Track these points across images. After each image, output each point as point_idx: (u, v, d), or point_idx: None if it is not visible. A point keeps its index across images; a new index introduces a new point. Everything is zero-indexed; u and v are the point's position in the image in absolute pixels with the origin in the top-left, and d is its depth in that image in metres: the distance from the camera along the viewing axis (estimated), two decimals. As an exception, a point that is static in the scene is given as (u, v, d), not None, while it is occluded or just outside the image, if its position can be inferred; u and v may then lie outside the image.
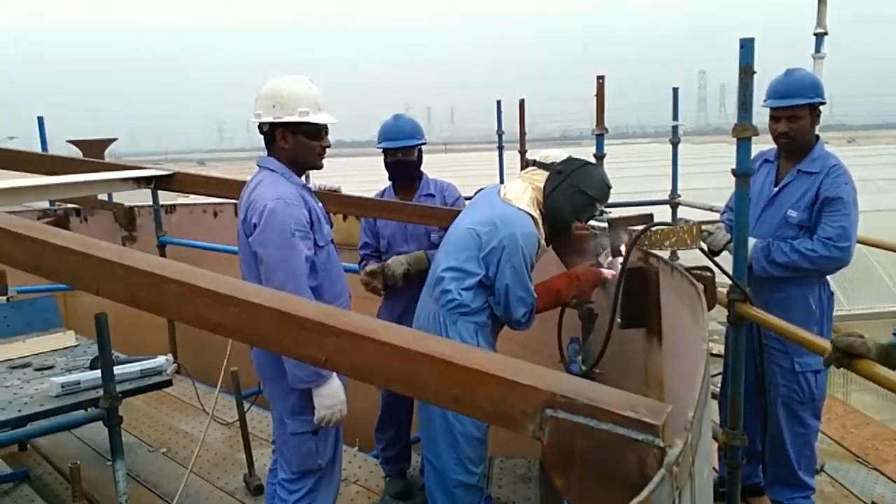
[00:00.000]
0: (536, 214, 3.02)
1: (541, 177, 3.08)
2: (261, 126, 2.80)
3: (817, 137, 3.35)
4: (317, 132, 2.82)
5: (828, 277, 3.35)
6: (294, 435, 2.81)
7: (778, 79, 3.29)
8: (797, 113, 3.23)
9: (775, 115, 3.28)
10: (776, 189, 3.35)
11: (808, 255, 3.14)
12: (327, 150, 2.90)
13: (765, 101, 3.28)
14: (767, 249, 3.20)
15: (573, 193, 3.01)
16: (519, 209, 2.99)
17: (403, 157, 3.68)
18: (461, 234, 3.05)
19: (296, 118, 2.74)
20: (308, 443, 2.82)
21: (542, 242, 3.04)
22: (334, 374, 2.70)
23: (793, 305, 3.18)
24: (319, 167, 2.95)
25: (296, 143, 2.79)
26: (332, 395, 2.71)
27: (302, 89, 2.77)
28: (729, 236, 3.12)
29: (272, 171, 2.80)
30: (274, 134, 2.79)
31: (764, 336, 3.03)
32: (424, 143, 3.78)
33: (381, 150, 3.74)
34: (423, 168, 3.79)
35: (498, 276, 2.93)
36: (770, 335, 3.01)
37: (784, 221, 3.28)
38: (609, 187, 3.16)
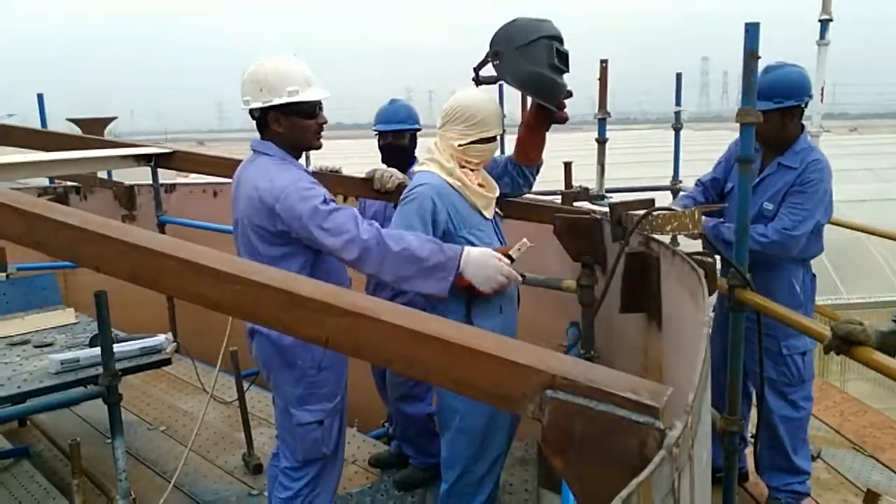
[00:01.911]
0: (437, 155, 2.92)
1: (451, 131, 2.91)
2: (252, 112, 2.71)
3: (802, 127, 3.34)
4: (311, 110, 2.71)
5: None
6: (300, 425, 2.79)
7: None
8: (763, 116, 3.20)
9: None
10: (756, 180, 3.34)
11: (759, 241, 3.17)
12: (324, 126, 2.80)
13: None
14: (718, 229, 3.23)
15: (525, 50, 2.79)
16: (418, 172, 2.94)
17: (394, 141, 3.79)
18: None
19: (285, 99, 2.63)
20: (314, 432, 2.80)
21: (455, 181, 2.88)
22: (462, 250, 2.58)
23: (778, 289, 3.22)
24: (318, 146, 2.86)
25: (290, 125, 2.69)
26: (477, 264, 2.58)
27: (287, 67, 2.66)
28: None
29: (270, 156, 2.70)
30: (266, 118, 2.69)
31: (750, 319, 3.02)
32: (418, 129, 3.87)
33: (375, 132, 3.85)
34: (419, 153, 3.82)
35: None
36: (756, 319, 3.02)
37: (760, 213, 3.30)
38: (543, 20, 2.89)
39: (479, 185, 2.96)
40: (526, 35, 2.80)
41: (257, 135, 2.81)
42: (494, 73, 2.96)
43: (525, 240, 2.77)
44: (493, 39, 2.89)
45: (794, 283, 3.33)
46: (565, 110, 2.99)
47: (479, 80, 3.05)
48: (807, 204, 3.19)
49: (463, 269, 2.55)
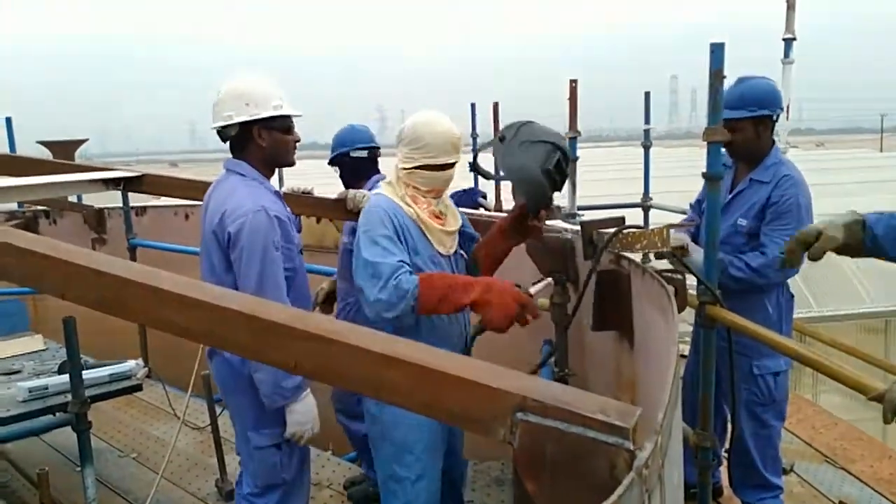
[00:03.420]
0: (392, 179, 2.76)
1: (399, 154, 2.75)
2: (225, 130, 2.72)
3: (773, 142, 3.36)
4: (289, 126, 2.79)
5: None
6: (258, 449, 2.76)
7: (727, 89, 3.30)
8: (736, 126, 3.23)
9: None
10: (730, 196, 3.37)
11: (761, 272, 3.17)
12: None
13: None
14: (723, 264, 3.19)
15: (528, 146, 2.69)
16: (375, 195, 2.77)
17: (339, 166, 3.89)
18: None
19: (271, 112, 2.69)
20: (273, 457, 2.77)
21: (407, 207, 2.69)
22: (308, 390, 2.70)
23: (749, 309, 3.16)
24: (293, 163, 2.91)
25: (273, 140, 2.74)
26: (304, 412, 2.69)
27: (267, 84, 2.74)
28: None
29: (243, 175, 2.73)
30: (248, 134, 2.71)
31: (723, 338, 3.04)
32: (345, 151, 3.85)
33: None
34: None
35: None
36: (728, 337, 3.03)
37: (734, 229, 3.31)
38: (556, 132, 2.80)
39: (436, 217, 2.77)
40: (535, 134, 2.72)
41: (230, 155, 2.83)
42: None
43: (549, 280, 2.74)
44: (504, 127, 2.83)
45: (766, 303, 3.30)
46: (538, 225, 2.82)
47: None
48: (791, 224, 3.15)
49: None
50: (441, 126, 2.69)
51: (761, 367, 3.29)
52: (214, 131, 2.78)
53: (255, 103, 2.68)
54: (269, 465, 2.77)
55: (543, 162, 2.66)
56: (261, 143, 2.72)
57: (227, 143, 2.79)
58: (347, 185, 3.70)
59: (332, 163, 3.93)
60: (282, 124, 2.75)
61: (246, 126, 2.70)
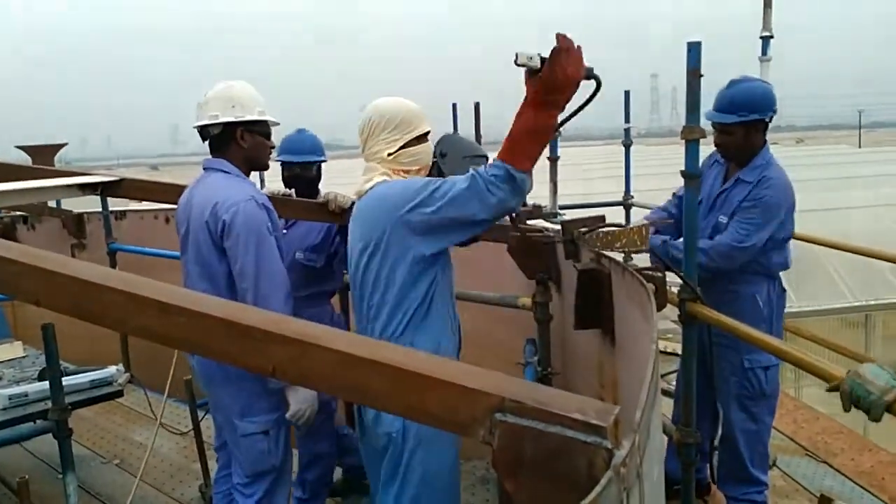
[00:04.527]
0: (383, 169, 2.63)
1: (376, 145, 2.64)
2: (208, 129, 2.84)
3: (764, 142, 3.37)
4: (269, 132, 2.95)
5: (779, 274, 3.40)
6: (245, 436, 2.81)
7: (720, 91, 3.33)
8: (726, 129, 3.28)
9: (714, 126, 3.33)
10: (715, 194, 3.40)
11: (707, 251, 3.17)
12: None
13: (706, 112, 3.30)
14: (666, 248, 3.24)
15: (471, 161, 2.80)
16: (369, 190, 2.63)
17: (301, 172, 3.68)
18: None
19: (256, 116, 2.84)
20: (260, 443, 2.81)
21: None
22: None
23: (741, 304, 3.22)
24: (268, 167, 3.11)
25: (254, 142, 2.88)
26: (306, 391, 2.74)
27: (252, 91, 2.88)
28: None
29: (226, 173, 2.85)
30: (231, 134, 2.84)
31: (714, 334, 3.07)
32: (324, 161, 3.76)
33: (279, 162, 3.69)
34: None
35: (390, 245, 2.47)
36: (720, 332, 3.06)
37: (715, 227, 3.34)
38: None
39: None
40: (472, 149, 2.92)
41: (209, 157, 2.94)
42: None
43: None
44: (438, 142, 2.89)
45: (757, 297, 3.31)
46: None
47: None
48: (756, 218, 3.19)
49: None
50: (404, 101, 2.68)
51: (752, 360, 3.30)
52: (196, 133, 2.91)
53: (242, 106, 2.82)
54: (256, 451, 2.82)
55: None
56: (242, 144, 2.85)
57: (207, 142, 2.91)
58: (299, 195, 3.59)
59: (307, 168, 3.69)
60: (263, 129, 2.91)
61: (229, 127, 2.83)
